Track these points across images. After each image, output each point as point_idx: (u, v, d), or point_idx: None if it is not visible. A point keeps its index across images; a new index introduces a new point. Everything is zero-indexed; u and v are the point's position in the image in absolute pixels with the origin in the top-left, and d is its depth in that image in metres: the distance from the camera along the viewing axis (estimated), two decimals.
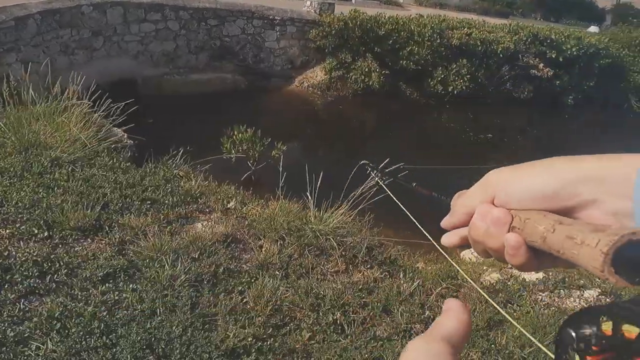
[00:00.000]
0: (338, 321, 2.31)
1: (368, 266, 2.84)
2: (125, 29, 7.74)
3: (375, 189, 3.18)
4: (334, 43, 10.13)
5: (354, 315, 2.39)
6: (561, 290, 2.97)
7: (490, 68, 10.54)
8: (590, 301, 2.88)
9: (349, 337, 2.24)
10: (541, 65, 10.42)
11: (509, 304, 2.79)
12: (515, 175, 0.42)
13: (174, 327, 1.97)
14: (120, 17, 7.65)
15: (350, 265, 2.76)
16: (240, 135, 5.81)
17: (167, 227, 2.65)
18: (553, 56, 10.36)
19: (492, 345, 2.36)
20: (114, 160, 3.20)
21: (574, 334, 0.31)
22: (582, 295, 2.93)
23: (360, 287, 2.58)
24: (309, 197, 3.16)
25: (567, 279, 3.08)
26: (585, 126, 10.75)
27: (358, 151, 8.12)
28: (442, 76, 10.34)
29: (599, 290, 2.94)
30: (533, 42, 10.40)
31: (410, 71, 10.27)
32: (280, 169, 3.49)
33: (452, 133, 9.64)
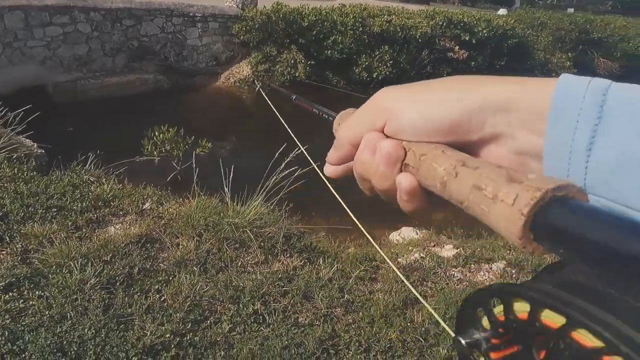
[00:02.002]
0: (259, 311, 2.35)
1: (287, 255, 2.90)
2: (28, 34, 7.24)
3: (293, 176, 3.25)
4: (258, 37, 10.08)
5: (275, 304, 2.45)
6: (472, 265, 3.18)
7: (411, 53, 10.93)
8: (499, 273, 3.09)
9: (270, 326, 2.29)
10: (457, 47, 10.93)
11: (424, 282, 2.95)
12: (411, 98, 0.36)
13: (86, 330, 1.93)
14: (21, 21, 7.15)
15: (270, 256, 2.81)
16: (161, 135, 5.66)
17: (76, 233, 2.57)
18: (467, 38, 10.90)
19: (409, 324, 2.50)
20: (16, 171, 3.03)
21: (463, 342, 0.27)
22: (491, 268, 3.15)
23: (280, 276, 2.64)
24: (226, 192, 3.16)
25: (476, 252, 3.31)
26: None
27: (285, 142, 8.19)
28: (366, 63, 10.60)
29: (505, 262, 3.17)
30: (448, 26, 10.88)
31: (336, 60, 10.44)
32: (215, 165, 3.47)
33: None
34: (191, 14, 9.68)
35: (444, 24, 10.89)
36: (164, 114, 7.69)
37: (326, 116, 0.56)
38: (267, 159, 7.87)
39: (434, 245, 4.15)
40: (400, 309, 2.60)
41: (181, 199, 3.32)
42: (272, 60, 10.19)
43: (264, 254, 2.79)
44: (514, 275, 3.08)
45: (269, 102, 2.88)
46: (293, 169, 3.39)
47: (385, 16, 10.77)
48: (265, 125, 8.94)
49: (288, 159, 3.44)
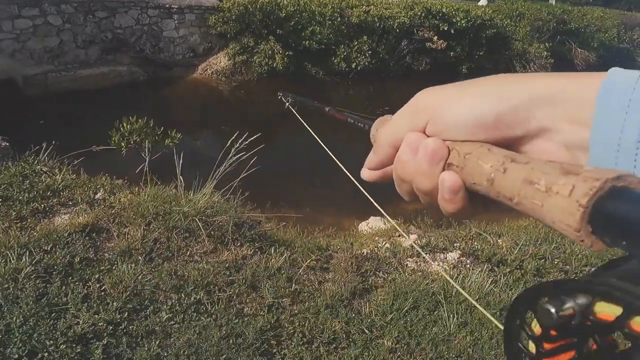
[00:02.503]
0: (201, 300, 2.36)
1: (238, 244, 2.90)
2: None
3: (238, 161, 3.26)
4: (235, 28, 10.01)
5: (219, 294, 2.45)
6: (426, 254, 3.20)
7: (390, 43, 10.93)
8: (452, 263, 3.11)
9: (212, 315, 2.29)
10: (435, 37, 10.95)
11: (377, 272, 2.96)
12: (453, 96, 0.35)
13: (14, 318, 1.92)
14: None
15: (219, 245, 2.82)
16: (128, 126, 5.61)
17: (19, 223, 2.55)
18: (445, 29, 10.92)
19: (355, 315, 2.49)
20: None
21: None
22: (446, 258, 3.18)
23: (227, 265, 2.64)
24: (180, 180, 3.16)
25: (431, 242, 3.34)
26: None
27: (263, 132, 8.17)
28: (345, 54, 10.58)
29: (459, 252, 3.20)
30: (427, 16, 10.88)
31: (314, 51, 10.41)
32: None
33: (357, 107, 9.94)
34: (167, 6, 9.58)
35: (423, 15, 10.89)
36: (138, 106, 7.62)
37: (362, 125, 0.54)
38: (243, 148, 7.82)
39: (399, 235, 4.18)
40: (348, 299, 2.61)
41: (137, 189, 3.30)
42: (250, 52, 10.13)
43: (213, 243, 2.80)
44: (468, 265, 3.12)
45: (299, 116, 2.83)
46: (240, 155, 3.39)
47: (364, 6, 10.74)
48: (241, 116, 8.92)
49: (238, 146, 3.44)
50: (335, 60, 10.62)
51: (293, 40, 10.29)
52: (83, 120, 7.06)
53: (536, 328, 0.25)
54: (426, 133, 0.35)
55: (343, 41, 10.67)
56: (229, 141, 3.55)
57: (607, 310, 0.21)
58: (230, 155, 3.23)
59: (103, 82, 8.41)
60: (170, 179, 3.58)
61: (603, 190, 0.23)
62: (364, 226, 5.26)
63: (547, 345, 0.25)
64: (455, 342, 2.32)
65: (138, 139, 5.80)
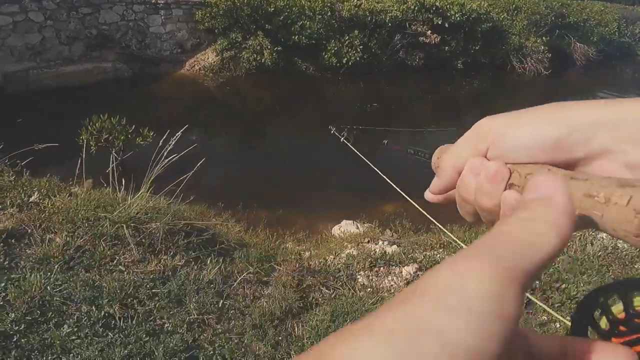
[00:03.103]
0: (114, 314, 2.23)
1: (171, 253, 2.77)
2: None
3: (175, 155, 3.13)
4: (223, 23, 9.87)
5: (139, 307, 2.32)
6: (381, 268, 3.03)
7: (382, 38, 10.72)
8: (407, 278, 2.94)
9: (124, 331, 2.16)
10: (429, 32, 10.72)
11: (322, 288, 2.81)
12: (514, 122, 0.35)
13: None
14: None
15: (150, 254, 2.69)
16: (97, 124, 5.51)
17: None
18: (439, 23, 10.68)
19: (287, 337, 2.33)
20: None
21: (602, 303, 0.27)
22: (401, 272, 3.00)
23: (152, 276, 2.51)
24: (118, 183, 3.04)
25: (387, 255, 3.16)
26: (475, 88, 11.29)
27: (248, 130, 8.04)
28: (335, 49, 10.39)
29: (416, 266, 3.02)
30: (420, 10, 10.65)
31: (304, 46, 10.23)
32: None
33: (348, 104, 9.75)
34: (153, 1, 9.46)
35: (416, 8, 10.66)
36: (121, 103, 7.54)
37: (421, 154, 0.56)
38: (219, 147, 7.68)
39: (368, 241, 4.02)
40: (280, 319, 2.46)
41: (78, 191, 3.19)
42: (238, 47, 9.98)
43: (143, 252, 2.67)
44: None
45: (358, 152, 2.71)
46: (174, 156, 3.25)
47: (355, 0, 10.53)
48: (226, 113, 8.80)
49: (170, 147, 3.31)
50: (326, 56, 10.43)
51: (282, 35, 10.12)
52: (62, 118, 6.98)
53: (604, 324, 0.27)
54: (488, 157, 0.36)
55: (334, 36, 10.48)
56: (165, 138, 3.41)
57: None
58: (164, 156, 3.09)
59: (86, 79, 8.34)
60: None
61: None
62: (337, 230, 5.11)
63: (615, 340, 0.26)
64: None
65: (110, 138, 5.72)
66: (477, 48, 11.28)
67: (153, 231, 2.81)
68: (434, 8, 10.69)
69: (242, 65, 9.94)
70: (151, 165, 3.15)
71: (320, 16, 10.21)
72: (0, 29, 7.42)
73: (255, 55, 9.85)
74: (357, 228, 4.86)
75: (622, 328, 0.26)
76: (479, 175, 0.36)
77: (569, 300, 2.72)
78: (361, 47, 10.45)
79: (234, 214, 5.10)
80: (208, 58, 10.06)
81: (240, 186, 6.15)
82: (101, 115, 5.68)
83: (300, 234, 4.79)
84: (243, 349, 2.20)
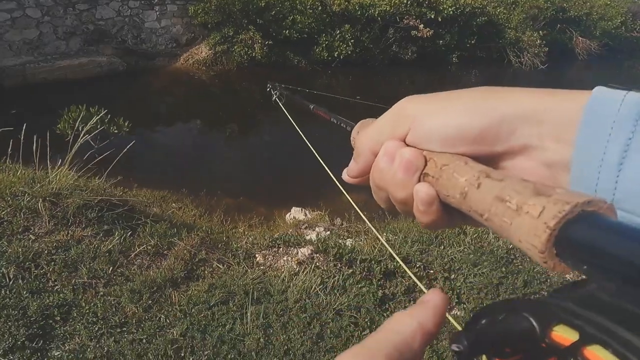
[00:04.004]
0: (9, 275, 2.48)
1: (83, 226, 3.03)
2: None
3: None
4: (216, 18, 10.14)
5: (35, 270, 2.58)
6: (280, 248, 3.18)
7: (374, 32, 10.79)
8: (301, 258, 3.05)
9: (8, 289, 2.41)
10: (421, 26, 10.72)
11: (214, 263, 2.98)
12: (436, 108, 0.34)
13: None
14: None
15: (62, 226, 2.95)
16: (72, 114, 5.86)
17: None
18: (432, 17, 10.67)
19: (161, 303, 2.49)
20: None
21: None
22: (297, 253, 3.14)
23: (56, 245, 2.77)
24: (36, 161, 3.33)
25: (286, 235, 3.33)
26: (472, 81, 11.21)
27: (237, 122, 8.30)
28: (327, 42, 10.53)
29: (312, 248, 3.17)
30: (412, 4, 10.66)
31: (295, 40, 10.41)
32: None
33: (338, 97, 9.88)
34: None
35: (408, 2, 10.68)
36: (112, 95, 7.91)
37: (344, 125, 0.55)
38: (206, 137, 7.94)
39: (305, 228, 4.21)
40: (160, 286, 2.66)
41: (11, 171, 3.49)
42: (230, 41, 10.26)
43: (56, 223, 2.94)
44: (319, 264, 3.06)
45: (287, 113, 2.84)
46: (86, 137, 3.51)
47: None
48: (215, 105, 9.09)
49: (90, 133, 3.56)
50: (317, 49, 10.59)
51: (274, 29, 10.33)
52: (54, 109, 7.38)
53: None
54: (406, 142, 0.35)
55: (325, 30, 10.62)
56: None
57: (564, 335, 0.21)
58: (82, 133, 3.37)
59: (82, 72, 8.74)
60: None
61: (572, 214, 0.23)
62: (288, 217, 5.32)
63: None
64: (246, 343, 2.33)
65: (89, 127, 6.07)
66: (472, 42, 11.21)
67: (68, 205, 3.08)
68: (426, 2, 10.68)
69: (234, 59, 10.20)
70: (70, 145, 3.42)
71: (311, 10, 10.37)
72: None
73: (246, 49, 10.09)
74: (305, 215, 5.06)
75: (507, 350, 0.23)
76: (393, 163, 0.34)
77: (451, 292, 2.84)
78: (352, 41, 10.55)
79: (194, 199, 5.38)
80: (202, 52, 10.36)
81: (213, 175, 6.41)
82: (79, 106, 6.03)
83: (254, 220, 5.02)
84: (114, 309, 2.43)
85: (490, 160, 0.33)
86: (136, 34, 9.88)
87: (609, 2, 12.30)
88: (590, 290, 0.22)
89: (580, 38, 11.65)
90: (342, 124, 0.58)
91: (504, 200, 0.27)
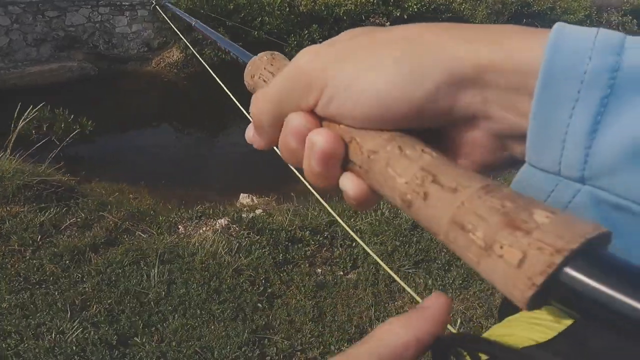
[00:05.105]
0: None
1: (21, 203, 3.25)
2: None
3: None
4: (186, 22, 10.40)
5: None
6: (202, 220, 3.40)
7: (342, 30, 11.05)
8: (217, 229, 3.25)
9: None
10: (388, 24, 11.00)
11: (137, 232, 3.18)
12: (353, 67, 0.26)
13: None
14: None
15: (2, 204, 3.17)
16: (33, 114, 6.08)
17: None
18: (398, 14, 10.96)
19: (78, 264, 2.77)
20: None
21: None
22: (215, 224, 3.35)
23: None
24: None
25: (206, 209, 3.56)
26: None
27: (205, 120, 8.55)
28: (296, 42, 10.80)
29: (228, 219, 3.39)
30: (378, 3, 10.96)
31: (265, 40, 10.68)
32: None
33: None
34: (118, 3, 10.07)
35: (374, 1, 10.97)
36: (84, 99, 8.14)
37: (235, 56, 0.43)
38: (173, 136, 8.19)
39: (247, 210, 4.43)
40: (81, 251, 2.86)
41: None
42: (200, 44, 10.52)
43: None
44: (233, 232, 3.25)
45: (171, 24, 2.88)
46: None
47: None
48: (186, 107, 9.34)
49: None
50: (287, 50, 10.84)
51: (243, 31, 10.60)
52: (21, 113, 7.60)
53: None
54: (316, 111, 0.28)
55: (294, 30, 10.90)
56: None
57: None
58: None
59: (52, 77, 8.97)
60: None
61: (563, 264, 0.18)
62: (238, 204, 5.53)
63: None
64: (149, 295, 2.56)
65: (54, 127, 6.31)
66: None
67: (7, 186, 3.31)
68: (392, 0, 10.98)
69: (205, 61, 10.43)
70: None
71: (279, 12, 10.65)
72: None
73: (216, 52, 10.34)
74: (253, 201, 5.30)
75: None
76: (304, 146, 0.27)
77: (348, 257, 3.06)
78: (321, 40, 10.74)
79: (151, 191, 5.63)
80: (173, 56, 10.62)
81: (176, 169, 6.67)
82: (43, 107, 6.27)
83: (205, 206, 5.25)
84: (36, 268, 2.66)
85: (429, 133, 0.26)
86: (107, 39, 10.13)
87: None
88: (582, 342, 0.19)
89: None
90: (231, 53, 0.43)
91: (464, 228, 0.20)
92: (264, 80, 0.41)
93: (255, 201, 5.29)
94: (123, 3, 10.10)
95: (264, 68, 0.41)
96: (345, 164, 0.27)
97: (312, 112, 0.28)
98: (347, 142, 0.27)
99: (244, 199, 5.41)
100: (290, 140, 0.28)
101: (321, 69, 0.27)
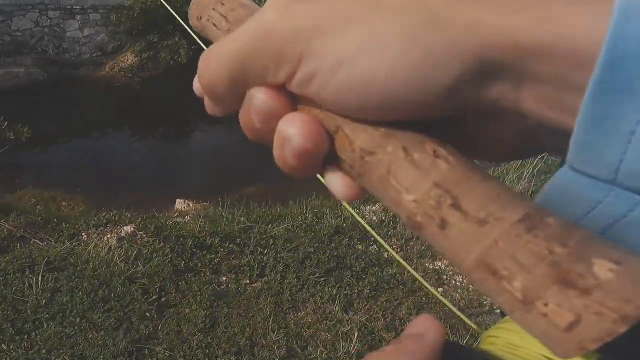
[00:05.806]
0: None
1: None
2: None
3: None
4: (140, 25, 10.19)
5: None
6: (107, 227, 3.22)
7: None
8: (124, 237, 3.09)
9: None
10: None
11: (41, 241, 3.02)
12: (344, 40, 0.19)
13: None
14: None
15: None
16: None
17: None
18: None
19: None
20: None
21: None
22: (120, 232, 3.19)
23: None
24: None
25: (112, 216, 3.38)
26: None
27: (161, 125, 8.36)
28: None
29: (135, 227, 3.22)
30: None
31: None
32: None
33: None
34: (68, 7, 9.80)
35: None
36: (30, 106, 7.88)
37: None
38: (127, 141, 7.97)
39: (177, 215, 4.27)
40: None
41: None
42: (156, 48, 10.31)
43: None
44: (138, 240, 3.08)
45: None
46: None
47: None
48: (141, 112, 9.11)
49: None
50: None
51: (199, 35, 10.42)
52: None
53: None
54: (289, 87, 0.21)
55: None
56: None
57: None
58: None
59: None
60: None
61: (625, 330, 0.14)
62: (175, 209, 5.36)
63: None
64: (28, 303, 2.40)
65: None
66: None
67: None
68: None
69: (161, 65, 10.25)
70: None
71: None
72: None
73: (172, 55, 10.15)
74: (188, 206, 5.15)
75: None
76: (275, 137, 0.21)
77: (257, 265, 2.92)
78: None
79: (87, 197, 5.43)
80: (128, 60, 10.38)
81: (122, 175, 6.47)
82: None
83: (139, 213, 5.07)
84: None
85: (439, 126, 0.20)
86: (58, 44, 9.85)
87: None
88: None
89: None
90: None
91: (496, 274, 0.16)
92: (214, 25, 0.32)
93: (191, 207, 5.14)
94: (74, 7, 9.83)
95: (213, 9, 0.32)
96: (330, 158, 0.21)
97: (282, 87, 0.21)
98: (332, 132, 0.21)
99: (180, 204, 5.26)
100: (254, 120, 0.22)
101: (297, 34, 0.19)
